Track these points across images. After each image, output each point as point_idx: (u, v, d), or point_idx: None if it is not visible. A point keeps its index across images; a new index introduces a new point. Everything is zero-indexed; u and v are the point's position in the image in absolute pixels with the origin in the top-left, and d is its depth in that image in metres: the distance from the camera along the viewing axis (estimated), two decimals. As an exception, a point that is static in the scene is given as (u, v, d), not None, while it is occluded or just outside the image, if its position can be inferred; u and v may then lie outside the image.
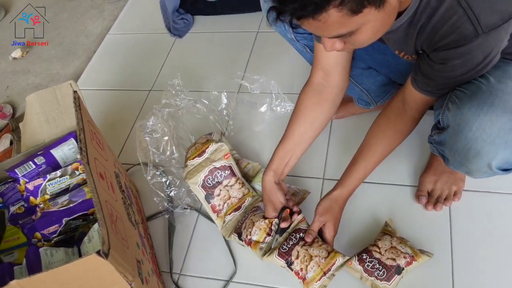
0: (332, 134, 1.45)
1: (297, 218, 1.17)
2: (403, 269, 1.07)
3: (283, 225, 1.15)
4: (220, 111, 1.54)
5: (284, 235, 1.16)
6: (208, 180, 1.24)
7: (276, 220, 1.14)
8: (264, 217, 1.17)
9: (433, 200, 1.22)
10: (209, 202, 1.25)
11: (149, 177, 1.33)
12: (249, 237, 1.16)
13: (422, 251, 1.10)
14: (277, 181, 1.16)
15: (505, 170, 0.93)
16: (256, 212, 1.21)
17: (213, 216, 1.26)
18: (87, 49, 2.09)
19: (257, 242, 1.15)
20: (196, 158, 1.25)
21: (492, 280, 1.08)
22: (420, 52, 0.94)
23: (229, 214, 1.25)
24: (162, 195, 1.33)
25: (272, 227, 1.14)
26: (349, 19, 0.73)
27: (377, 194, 1.28)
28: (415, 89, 0.99)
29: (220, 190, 1.25)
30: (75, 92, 1.02)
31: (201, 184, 1.24)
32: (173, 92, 1.52)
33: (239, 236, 1.20)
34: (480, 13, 0.78)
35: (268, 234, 1.14)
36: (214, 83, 1.68)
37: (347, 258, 1.09)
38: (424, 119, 1.08)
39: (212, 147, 1.25)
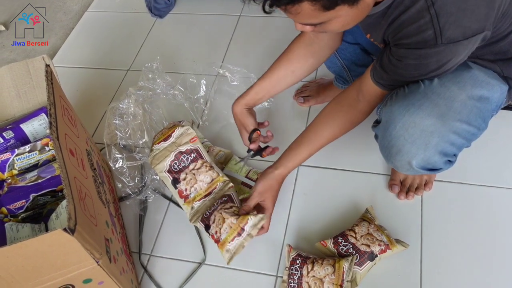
0: (310, 119, 1.45)
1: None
2: (376, 256, 1.08)
3: (252, 146, 1.20)
4: (197, 99, 1.52)
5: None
6: (174, 165, 1.21)
7: (251, 219, 1.09)
8: (236, 214, 1.11)
9: (405, 189, 1.23)
10: (176, 188, 1.21)
11: (111, 162, 1.29)
12: (218, 234, 1.12)
13: (398, 241, 1.11)
14: (247, 108, 1.21)
15: (430, 169, 0.98)
16: (226, 204, 1.16)
17: (180, 201, 1.22)
18: (64, 25, 2.05)
19: (225, 241, 1.10)
20: (162, 142, 1.21)
21: (459, 270, 1.10)
22: (387, 42, 0.95)
23: (199, 200, 1.21)
24: (125, 180, 1.29)
25: (246, 226, 1.08)
26: (320, 13, 0.77)
27: (356, 181, 1.29)
28: (370, 78, 1.00)
29: (186, 174, 1.21)
30: (47, 66, 1.00)
31: (167, 169, 1.21)
32: (150, 76, 1.48)
33: (207, 228, 1.15)
34: (445, 25, 0.80)
35: (239, 234, 1.09)
36: (193, 68, 1.65)
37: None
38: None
39: (178, 131, 1.21)
